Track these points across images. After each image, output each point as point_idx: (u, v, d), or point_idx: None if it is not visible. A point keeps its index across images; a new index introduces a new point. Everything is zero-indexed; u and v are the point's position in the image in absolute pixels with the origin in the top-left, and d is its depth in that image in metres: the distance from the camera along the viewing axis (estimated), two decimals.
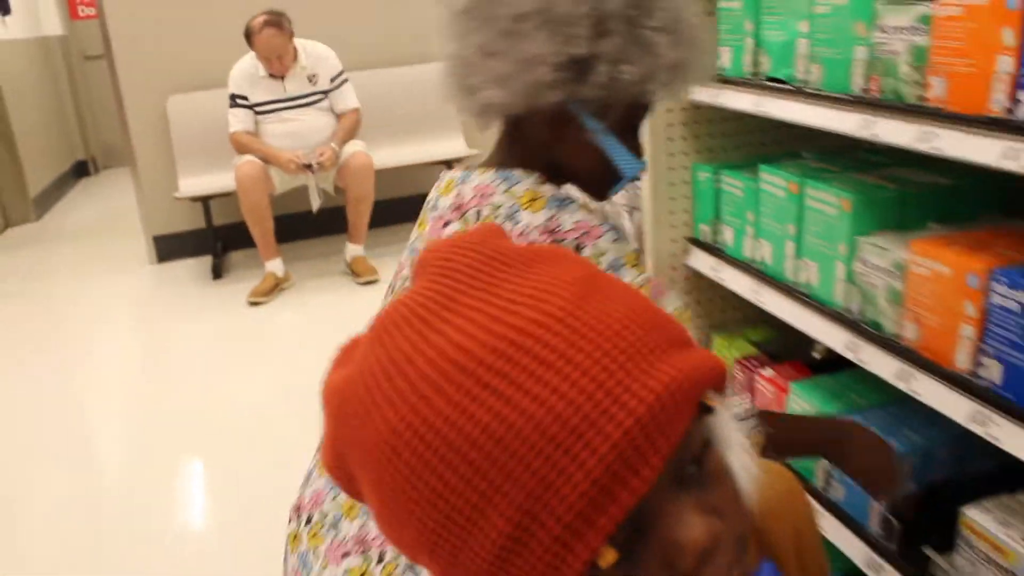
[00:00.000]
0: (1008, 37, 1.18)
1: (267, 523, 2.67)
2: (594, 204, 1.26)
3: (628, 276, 1.13)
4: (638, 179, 1.26)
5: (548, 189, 1.17)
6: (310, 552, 1.21)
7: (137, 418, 3.51)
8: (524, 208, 1.14)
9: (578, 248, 1.12)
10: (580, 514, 0.49)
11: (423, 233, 1.25)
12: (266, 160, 4.52)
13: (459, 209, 1.19)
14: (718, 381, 0.56)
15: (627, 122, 1.19)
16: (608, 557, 0.51)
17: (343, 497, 1.19)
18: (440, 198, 1.24)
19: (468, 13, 1.13)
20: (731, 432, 0.58)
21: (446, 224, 1.20)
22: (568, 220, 1.13)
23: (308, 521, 1.24)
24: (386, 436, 0.53)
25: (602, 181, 1.23)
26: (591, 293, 0.54)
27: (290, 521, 1.30)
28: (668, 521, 0.53)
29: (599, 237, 1.13)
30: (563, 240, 1.12)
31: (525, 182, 1.17)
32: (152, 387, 3.78)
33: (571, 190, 1.22)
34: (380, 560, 1.11)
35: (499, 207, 1.16)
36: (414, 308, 0.56)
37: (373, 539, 1.13)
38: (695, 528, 0.52)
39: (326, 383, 0.59)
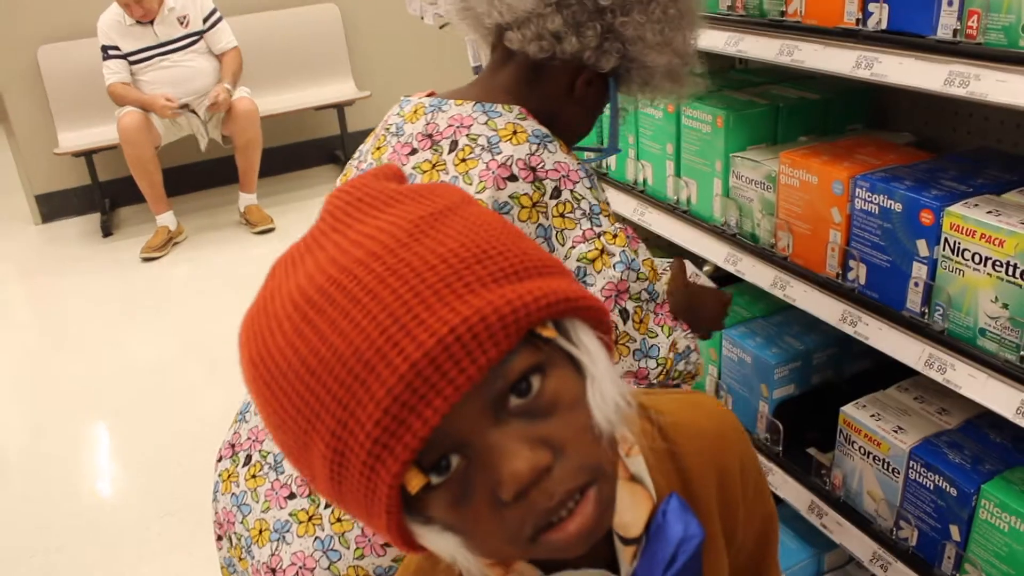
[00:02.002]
0: None
1: (178, 480, 2.66)
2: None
3: (605, 224, 1.13)
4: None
5: (530, 124, 1.15)
6: (248, 494, 1.17)
7: (35, 386, 3.39)
8: (505, 140, 1.12)
9: (557, 191, 1.11)
10: (377, 440, 0.51)
11: (381, 159, 1.22)
12: (145, 108, 4.35)
13: (430, 138, 1.17)
14: (559, 312, 0.56)
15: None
16: (414, 482, 0.53)
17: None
18: (405, 124, 1.21)
19: None
20: (595, 363, 0.58)
21: (412, 152, 1.18)
22: (550, 159, 1.12)
23: (247, 461, 1.19)
24: (248, 368, 0.57)
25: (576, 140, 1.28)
26: (428, 230, 0.55)
27: (221, 459, 1.25)
28: (488, 450, 0.54)
29: (577, 182, 1.13)
30: (544, 179, 1.11)
31: (506, 116, 1.15)
32: (47, 353, 3.65)
33: None
34: (329, 504, 1.08)
35: (477, 137, 1.13)
36: (292, 249, 0.59)
37: None
38: (516, 459, 0.53)
39: None
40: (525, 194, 1.09)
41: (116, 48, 4.32)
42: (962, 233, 1.19)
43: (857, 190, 1.34)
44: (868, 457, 1.44)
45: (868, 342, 1.36)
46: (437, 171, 1.13)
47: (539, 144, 1.12)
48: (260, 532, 1.13)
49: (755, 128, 1.58)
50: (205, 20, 4.47)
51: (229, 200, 4.92)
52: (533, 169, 1.10)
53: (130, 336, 3.69)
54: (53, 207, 5.09)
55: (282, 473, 1.14)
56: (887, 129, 1.69)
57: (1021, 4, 1.06)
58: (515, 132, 1.12)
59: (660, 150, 1.74)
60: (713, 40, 1.49)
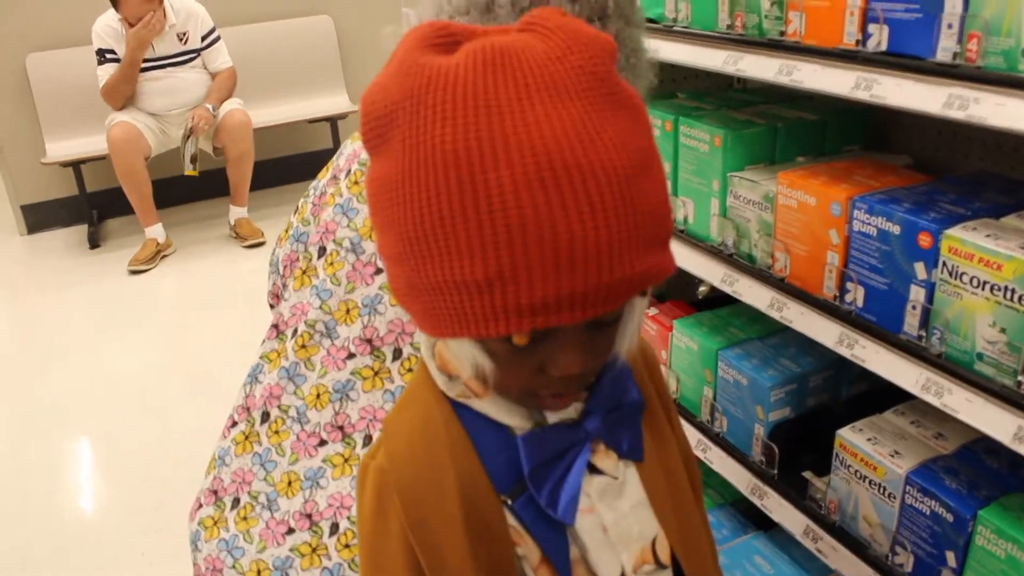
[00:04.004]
0: None
1: (160, 497, 2.62)
2: None
3: None
4: None
5: None
6: (239, 536, 1.15)
7: (16, 399, 3.34)
8: None
9: None
10: (533, 306, 0.62)
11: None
12: (131, 67, 4.28)
13: (335, 180, 1.17)
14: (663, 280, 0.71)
15: None
16: (523, 339, 0.67)
17: (277, 473, 1.14)
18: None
19: None
20: (638, 313, 0.74)
21: (320, 196, 1.19)
22: None
23: (235, 504, 1.17)
24: (452, 147, 0.61)
25: None
26: (645, 170, 0.65)
27: (201, 507, 1.22)
28: (565, 344, 0.68)
29: None
30: None
31: None
32: (30, 365, 3.61)
33: None
34: (333, 532, 1.07)
35: (365, 163, 1.14)
36: (533, 63, 0.63)
37: (323, 511, 1.08)
38: (576, 362, 0.69)
39: (427, 63, 0.65)
40: None
41: (112, 52, 4.29)
42: (960, 256, 1.18)
43: (855, 212, 1.33)
44: (864, 481, 1.43)
45: (865, 365, 1.35)
46: None
47: None
48: (259, 573, 1.12)
49: (753, 148, 1.57)
50: (204, 38, 4.47)
51: (219, 213, 4.89)
52: None
53: (115, 350, 3.65)
54: (39, 218, 5.05)
55: (277, 511, 1.12)
56: (885, 151, 1.69)
57: (1021, 28, 1.05)
58: None
59: None
60: (712, 59, 1.48)
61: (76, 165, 4.68)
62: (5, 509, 2.66)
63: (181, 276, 4.33)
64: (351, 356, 1.10)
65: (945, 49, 1.15)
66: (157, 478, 2.71)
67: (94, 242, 4.75)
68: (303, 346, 1.14)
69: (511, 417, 0.79)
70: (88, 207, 4.88)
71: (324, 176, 1.29)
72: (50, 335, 3.87)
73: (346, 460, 1.09)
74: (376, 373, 1.09)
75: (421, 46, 0.66)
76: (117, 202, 4.71)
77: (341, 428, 1.10)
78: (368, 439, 1.08)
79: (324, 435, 1.11)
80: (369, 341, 1.10)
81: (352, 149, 1.21)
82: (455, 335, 0.66)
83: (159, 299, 4.13)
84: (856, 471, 1.44)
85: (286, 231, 1.35)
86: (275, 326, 1.21)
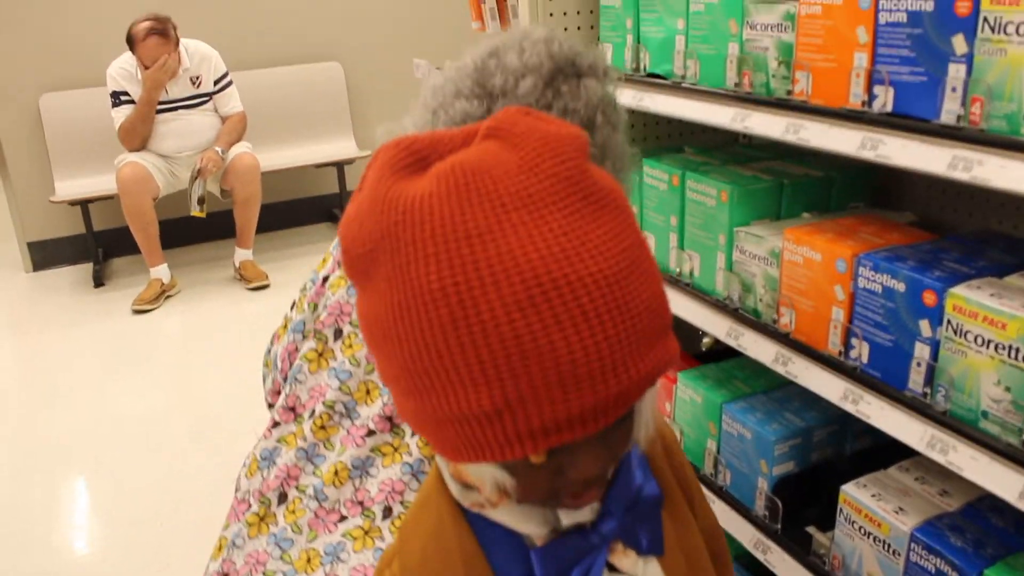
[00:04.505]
0: (863, 35, 1.25)
1: (161, 537, 2.60)
2: None
3: None
4: None
5: None
6: None
7: (19, 436, 3.33)
8: None
9: None
10: (545, 427, 0.61)
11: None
12: (148, 107, 4.33)
13: (340, 264, 1.19)
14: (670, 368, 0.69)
15: None
16: (540, 458, 0.66)
17: (294, 552, 1.12)
18: None
19: None
20: (651, 400, 0.72)
21: (324, 279, 1.20)
22: None
23: None
24: (438, 284, 0.60)
25: None
26: (635, 268, 0.64)
27: None
28: (581, 451, 0.67)
29: None
30: None
31: None
32: (31, 404, 3.60)
33: None
34: None
35: None
36: (506, 179, 0.62)
37: None
38: (593, 463, 0.67)
39: (398, 195, 0.63)
40: None
41: (127, 94, 4.35)
42: (964, 315, 1.20)
43: (860, 268, 1.35)
44: (868, 538, 1.42)
45: (870, 421, 1.35)
46: None
47: None
48: None
49: (759, 203, 1.60)
50: (216, 83, 4.53)
51: (224, 255, 4.91)
52: None
53: (118, 389, 3.64)
54: (45, 255, 5.08)
55: None
56: (889, 208, 1.71)
57: (1023, 93, 1.08)
58: None
59: (664, 222, 1.75)
60: (720, 116, 1.51)
61: (84, 204, 4.73)
62: (6, 547, 2.64)
63: (185, 316, 4.34)
64: (371, 433, 1.10)
65: (949, 112, 1.17)
66: (160, 518, 2.69)
67: (99, 280, 4.77)
68: (322, 427, 1.14)
69: (527, 524, 0.77)
70: (95, 245, 4.91)
71: (322, 268, 1.30)
72: (54, 373, 3.87)
73: (367, 532, 1.08)
74: (396, 449, 1.09)
75: (390, 171, 0.65)
76: (123, 241, 4.74)
77: (361, 503, 1.09)
78: (387, 511, 1.07)
79: (344, 511, 1.10)
80: (389, 419, 1.10)
81: None
82: (472, 461, 0.65)
83: (163, 339, 4.14)
84: (860, 527, 1.44)
85: (283, 327, 1.35)
86: (291, 408, 1.20)
